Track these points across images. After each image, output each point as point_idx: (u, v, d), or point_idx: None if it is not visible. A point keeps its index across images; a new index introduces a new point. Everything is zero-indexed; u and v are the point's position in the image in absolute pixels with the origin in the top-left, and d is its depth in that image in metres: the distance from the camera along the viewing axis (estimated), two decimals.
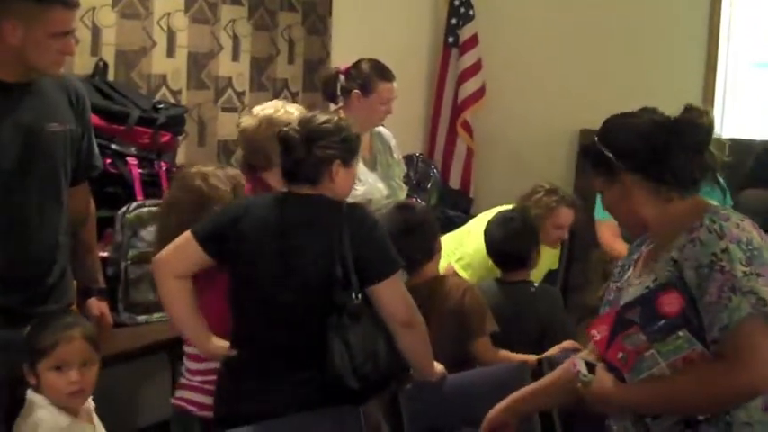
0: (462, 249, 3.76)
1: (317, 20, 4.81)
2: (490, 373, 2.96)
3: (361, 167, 3.43)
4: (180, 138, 3.84)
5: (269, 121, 2.97)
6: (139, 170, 3.49)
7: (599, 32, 5.38)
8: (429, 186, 5.43)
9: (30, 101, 2.55)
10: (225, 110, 4.30)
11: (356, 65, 3.67)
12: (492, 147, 5.67)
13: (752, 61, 5.21)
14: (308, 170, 2.47)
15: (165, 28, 3.98)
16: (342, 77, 3.66)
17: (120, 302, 3.28)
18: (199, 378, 2.68)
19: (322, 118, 2.51)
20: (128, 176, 3.45)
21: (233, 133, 4.24)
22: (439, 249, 3.20)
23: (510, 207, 3.68)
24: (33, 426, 2.35)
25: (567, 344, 3.14)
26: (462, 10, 5.59)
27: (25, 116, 2.53)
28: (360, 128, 2.77)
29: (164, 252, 2.54)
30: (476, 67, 5.60)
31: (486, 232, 3.50)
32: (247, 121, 3.07)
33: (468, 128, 5.67)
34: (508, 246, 3.44)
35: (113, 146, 3.42)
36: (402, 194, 3.93)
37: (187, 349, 2.73)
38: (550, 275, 4.21)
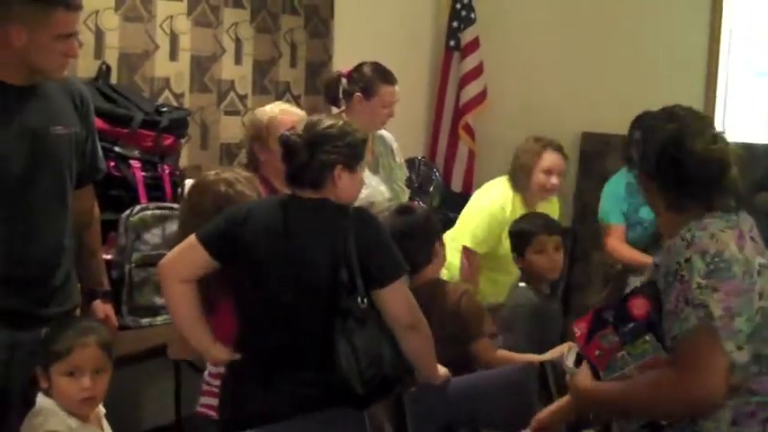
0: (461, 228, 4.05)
1: (320, 23, 4.82)
2: (495, 376, 2.96)
3: None
4: (183, 141, 3.84)
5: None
6: (143, 173, 3.49)
7: (600, 36, 5.38)
8: (431, 189, 5.44)
9: (35, 104, 2.56)
10: (227, 113, 4.31)
11: (358, 68, 3.68)
12: (494, 150, 5.65)
13: (754, 71, 5.20)
14: (310, 174, 2.47)
15: (168, 31, 3.99)
16: (344, 80, 3.67)
17: (124, 305, 3.29)
18: (217, 382, 2.65)
19: (326, 122, 2.51)
20: (131, 179, 3.45)
21: (236, 136, 4.26)
22: (440, 252, 3.19)
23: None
24: (40, 429, 2.34)
25: (567, 346, 3.14)
26: (464, 13, 5.59)
27: (30, 119, 2.54)
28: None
29: (169, 256, 2.54)
30: (477, 71, 5.61)
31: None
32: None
33: (469, 131, 5.67)
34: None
35: (117, 149, 3.43)
36: (404, 197, 3.95)
37: None
38: None
